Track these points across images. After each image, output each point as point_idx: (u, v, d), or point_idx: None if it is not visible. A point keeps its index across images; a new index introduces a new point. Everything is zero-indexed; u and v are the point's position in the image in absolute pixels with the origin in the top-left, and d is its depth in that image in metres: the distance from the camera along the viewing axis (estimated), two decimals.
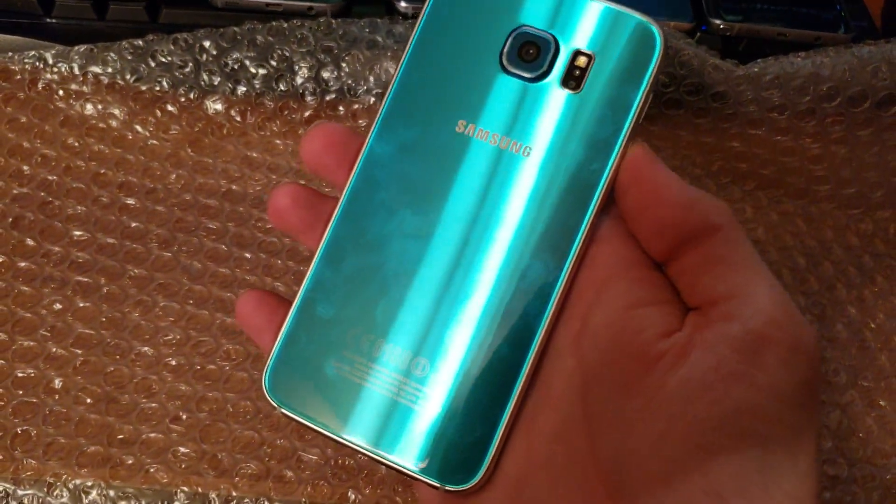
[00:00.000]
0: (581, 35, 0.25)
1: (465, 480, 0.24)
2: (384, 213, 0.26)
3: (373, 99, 0.45)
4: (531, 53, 0.25)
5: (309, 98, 0.45)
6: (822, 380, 0.22)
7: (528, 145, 0.25)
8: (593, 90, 0.25)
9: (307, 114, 0.46)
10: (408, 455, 0.25)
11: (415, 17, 0.47)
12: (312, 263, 0.26)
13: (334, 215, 0.26)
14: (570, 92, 0.25)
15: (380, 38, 0.45)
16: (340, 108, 0.45)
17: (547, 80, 0.25)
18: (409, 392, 0.25)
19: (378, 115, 0.26)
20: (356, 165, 0.26)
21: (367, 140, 0.26)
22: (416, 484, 0.26)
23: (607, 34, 0.25)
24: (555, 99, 0.25)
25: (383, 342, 0.25)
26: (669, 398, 0.22)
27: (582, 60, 0.25)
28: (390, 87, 0.26)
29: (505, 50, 0.25)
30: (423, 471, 0.25)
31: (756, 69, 0.42)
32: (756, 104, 0.43)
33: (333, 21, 0.45)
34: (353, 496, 0.35)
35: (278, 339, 0.26)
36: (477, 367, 0.25)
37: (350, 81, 0.45)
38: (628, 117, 0.24)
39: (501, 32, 0.25)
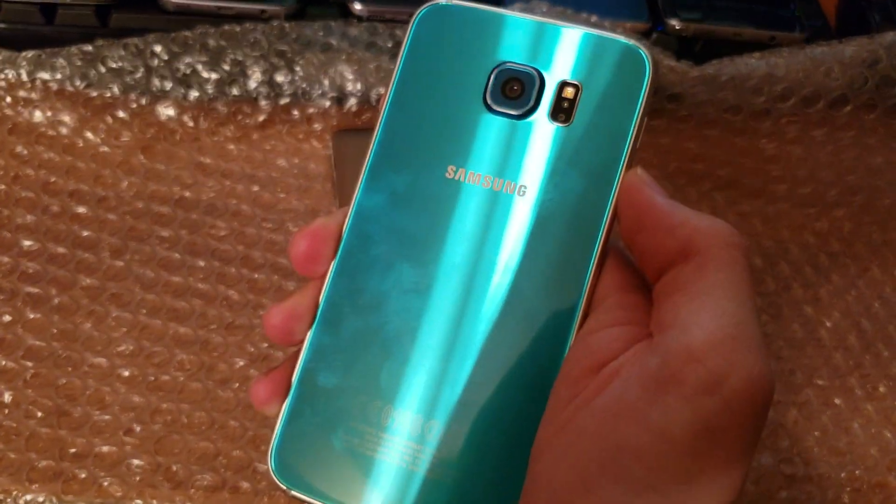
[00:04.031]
0: (566, 65, 0.24)
1: None
2: (381, 270, 0.24)
3: (328, 103, 0.45)
4: (515, 90, 0.24)
5: (263, 102, 0.45)
6: (747, 430, 0.19)
7: (522, 185, 0.24)
8: (585, 121, 0.24)
9: (261, 118, 0.45)
10: None
11: (370, 19, 0.47)
12: (310, 330, 0.24)
13: (328, 276, 0.24)
14: (561, 125, 0.24)
15: (334, 41, 0.44)
16: (295, 112, 0.45)
17: (535, 116, 0.24)
18: (423, 459, 0.23)
19: (364, 166, 0.25)
20: (347, 221, 0.25)
21: (355, 192, 0.25)
22: None
23: (593, 62, 0.24)
24: (545, 134, 0.24)
25: (392, 408, 0.24)
26: (572, 429, 0.21)
27: (569, 91, 0.24)
28: (374, 134, 0.25)
29: (488, 88, 0.24)
30: None
31: (711, 70, 0.42)
32: (711, 105, 0.43)
33: (287, 24, 0.44)
34: None
35: (280, 415, 0.24)
36: (495, 425, 0.23)
37: (304, 85, 0.44)
38: (625, 144, 0.23)
39: (483, 70, 0.24)
